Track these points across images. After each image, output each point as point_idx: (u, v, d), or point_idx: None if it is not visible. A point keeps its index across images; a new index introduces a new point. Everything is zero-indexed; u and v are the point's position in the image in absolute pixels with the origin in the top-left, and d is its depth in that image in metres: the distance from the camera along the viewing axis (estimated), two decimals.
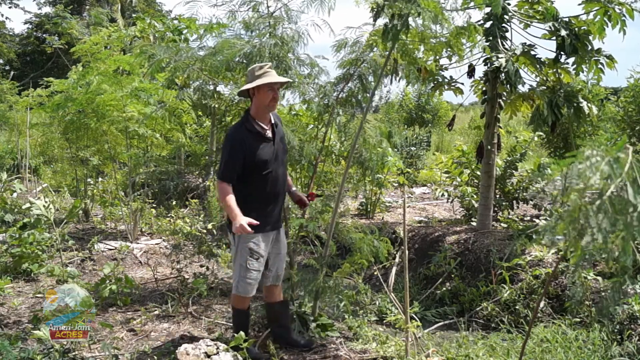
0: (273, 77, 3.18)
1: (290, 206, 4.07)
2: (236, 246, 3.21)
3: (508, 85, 5.34)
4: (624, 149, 1.28)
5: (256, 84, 3.16)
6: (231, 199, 3.05)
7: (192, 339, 3.51)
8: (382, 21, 3.94)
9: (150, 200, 7.38)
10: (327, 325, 3.78)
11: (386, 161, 6.83)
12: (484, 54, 5.41)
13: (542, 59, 5.60)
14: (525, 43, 5.58)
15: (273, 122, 3.32)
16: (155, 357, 3.35)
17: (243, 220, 2.94)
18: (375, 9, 3.32)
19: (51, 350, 3.12)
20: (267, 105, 3.21)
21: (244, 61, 4.03)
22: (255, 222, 2.98)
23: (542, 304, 4.17)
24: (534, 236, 1.38)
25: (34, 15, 26.92)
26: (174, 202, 7.21)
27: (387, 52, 3.55)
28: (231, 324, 3.99)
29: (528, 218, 6.82)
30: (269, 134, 3.27)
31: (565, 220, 1.28)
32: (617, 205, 1.20)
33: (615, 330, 3.53)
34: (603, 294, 3.98)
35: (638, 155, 1.31)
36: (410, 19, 3.21)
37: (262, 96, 3.19)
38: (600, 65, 5.42)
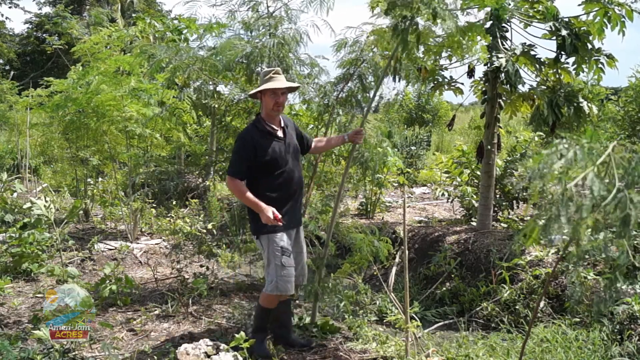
0: (275, 83, 3.25)
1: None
2: (267, 249, 3.25)
3: (508, 85, 5.34)
4: (603, 142, 1.30)
5: (259, 89, 3.29)
6: (249, 194, 3.18)
7: (192, 339, 3.50)
8: (382, 21, 3.94)
9: (150, 200, 7.38)
10: (326, 325, 3.79)
11: (386, 161, 6.83)
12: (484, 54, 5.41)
13: (542, 59, 5.60)
14: (525, 43, 5.58)
15: (283, 124, 3.40)
16: (155, 357, 3.35)
17: (269, 211, 3.08)
18: (387, 5, 3.28)
19: (51, 350, 3.12)
20: (271, 109, 3.30)
21: (244, 61, 4.04)
22: (278, 215, 3.10)
23: (542, 304, 4.17)
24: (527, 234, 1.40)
25: (34, 15, 26.93)
26: (174, 202, 7.21)
27: (392, 52, 3.53)
28: (232, 324, 4.00)
29: (528, 218, 6.82)
30: (280, 134, 3.35)
31: (540, 210, 1.32)
32: (582, 192, 1.23)
33: (615, 330, 3.53)
34: (599, 292, 3.98)
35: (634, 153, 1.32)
36: (420, 19, 3.21)
37: (266, 101, 3.30)
38: (600, 65, 5.41)
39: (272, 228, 3.20)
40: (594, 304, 3.33)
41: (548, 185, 1.30)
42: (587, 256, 4.37)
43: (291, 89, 3.47)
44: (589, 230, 1.31)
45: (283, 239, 3.25)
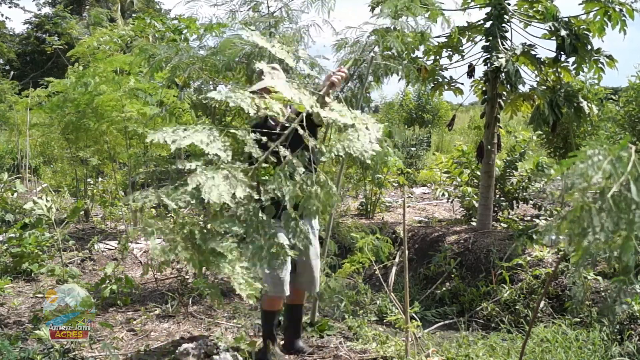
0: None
1: None
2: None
3: (508, 85, 5.34)
4: (627, 148, 1.27)
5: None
6: None
7: (192, 339, 3.50)
8: (382, 21, 3.95)
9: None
10: (324, 325, 3.79)
11: (387, 161, 6.82)
12: (484, 54, 5.42)
13: (542, 59, 5.60)
14: (526, 43, 5.58)
15: None
16: (155, 357, 3.35)
17: None
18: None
19: (51, 350, 3.12)
20: None
21: (245, 61, 4.04)
22: None
23: (542, 304, 4.17)
24: (534, 236, 1.39)
25: (34, 15, 26.93)
26: None
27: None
28: (231, 324, 3.99)
29: (528, 218, 6.82)
30: None
31: (567, 220, 1.27)
32: (620, 204, 1.20)
33: (615, 330, 3.53)
34: (604, 293, 3.98)
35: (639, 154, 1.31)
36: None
37: None
38: (600, 65, 5.42)
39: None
40: (602, 306, 3.32)
41: (585, 197, 1.26)
42: (588, 256, 4.38)
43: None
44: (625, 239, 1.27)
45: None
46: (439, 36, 5.98)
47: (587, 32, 5.30)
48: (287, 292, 3.19)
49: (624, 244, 1.18)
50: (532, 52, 5.53)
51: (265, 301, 3.28)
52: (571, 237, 1.26)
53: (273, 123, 3.03)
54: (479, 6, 5.73)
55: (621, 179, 1.20)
